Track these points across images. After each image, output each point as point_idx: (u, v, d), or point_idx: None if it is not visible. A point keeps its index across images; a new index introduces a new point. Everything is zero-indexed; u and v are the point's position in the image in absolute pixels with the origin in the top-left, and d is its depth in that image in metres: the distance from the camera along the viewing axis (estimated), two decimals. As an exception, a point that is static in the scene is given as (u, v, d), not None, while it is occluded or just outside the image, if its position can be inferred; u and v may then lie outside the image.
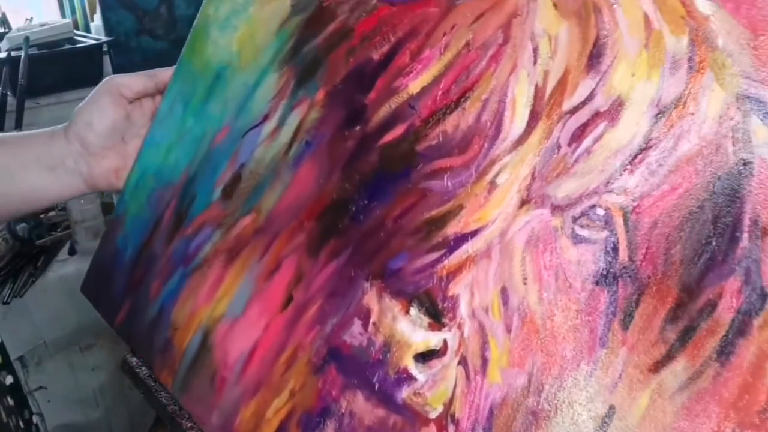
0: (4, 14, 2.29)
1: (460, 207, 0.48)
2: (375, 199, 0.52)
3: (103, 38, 2.11)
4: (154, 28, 2.23)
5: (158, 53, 2.17)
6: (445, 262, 0.48)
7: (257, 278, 0.57)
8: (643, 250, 0.41)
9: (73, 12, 2.43)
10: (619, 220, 0.42)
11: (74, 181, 0.68)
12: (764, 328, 0.37)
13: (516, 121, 0.47)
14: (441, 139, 0.50)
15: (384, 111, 0.53)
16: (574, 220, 0.43)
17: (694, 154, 0.40)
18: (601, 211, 0.43)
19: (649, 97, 0.42)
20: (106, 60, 2.23)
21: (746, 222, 0.38)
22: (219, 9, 0.65)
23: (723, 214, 0.39)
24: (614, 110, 0.43)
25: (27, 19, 2.23)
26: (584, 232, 0.43)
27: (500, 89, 0.48)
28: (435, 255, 0.48)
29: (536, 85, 0.46)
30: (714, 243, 0.39)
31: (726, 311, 0.38)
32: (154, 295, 0.65)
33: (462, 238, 0.47)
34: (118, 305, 0.68)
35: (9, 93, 1.76)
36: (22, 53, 1.80)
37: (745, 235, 0.38)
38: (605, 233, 0.42)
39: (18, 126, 1.70)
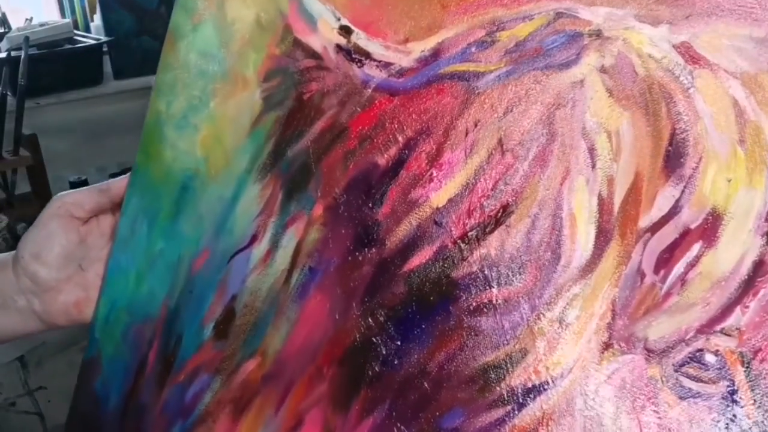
0: (4, 14, 2.26)
1: (524, 351, 0.39)
2: (409, 339, 0.42)
3: (103, 38, 2.12)
4: (154, 28, 2.25)
5: (158, 53, 2.07)
6: (515, 420, 0.39)
7: (276, 436, 0.48)
8: (777, 409, 0.33)
9: (73, 12, 2.40)
10: (737, 369, 0.34)
11: (28, 320, 0.57)
12: None
13: (579, 241, 0.38)
14: (483, 264, 0.40)
15: (403, 229, 0.43)
16: (677, 368, 0.35)
17: (828, 283, 0.32)
18: (711, 357, 0.34)
19: (755, 210, 0.33)
20: (106, 60, 2.25)
21: None
22: (172, 104, 0.54)
23: None
24: (710, 227, 0.34)
25: (27, 19, 2.20)
26: (693, 384, 0.35)
27: (553, 201, 0.38)
28: (499, 412, 0.39)
29: (599, 195, 0.37)
30: None
31: None
32: (150, 454, 0.55)
33: (532, 391, 0.38)
34: (109, 463, 0.58)
35: (9, 93, 1.74)
36: (22, 53, 1.80)
37: None
38: (723, 386, 0.34)
39: (18, 126, 1.69)
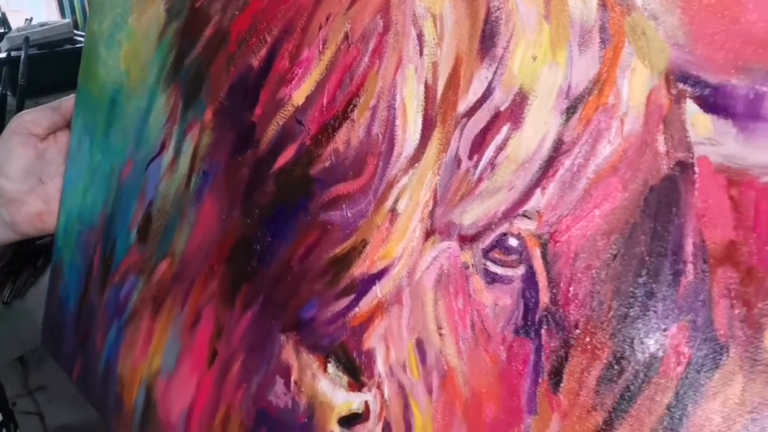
0: (4, 14, 2.28)
1: (364, 242, 0.39)
2: (277, 236, 0.44)
3: (104, 37, 2.11)
4: (155, 28, 2.24)
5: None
6: (356, 309, 0.40)
7: (182, 331, 0.51)
8: (567, 290, 0.32)
9: (73, 12, 2.40)
10: (535, 252, 0.33)
11: (1, 229, 0.63)
12: (721, 390, 0.28)
13: (409, 131, 0.37)
14: (334, 159, 0.41)
15: (272, 129, 0.44)
16: (485, 253, 0.34)
17: (618, 159, 0.30)
18: (514, 241, 0.33)
19: (557, 87, 0.32)
20: (107, 59, 2.23)
21: (689, 248, 0.28)
22: (102, 23, 0.57)
23: (660, 238, 0.29)
24: (517, 108, 0.33)
25: (27, 19, 2.21)
26: (498, 269, 0.34)
27: (388, 92, 0.38)
28: (345, 301, 0.40)
29: (426, 83, 0.37)
30: (651, 278, 0.29)
31: (673, 367, 0.29)
32: (99, 349, 0.60)
33: (369, 280, 0.39)
34: (73, 360, 0.64)
35: (9, 93, 1.74)
36: (22, 53, 1.80)
37: (690, 267, 0.28)
38: (522, 269, 0.33)
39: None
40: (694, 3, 0.28)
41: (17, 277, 1.38)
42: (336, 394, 0.41)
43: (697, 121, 0.28)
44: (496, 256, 0.34)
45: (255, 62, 0.45)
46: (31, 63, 1.76)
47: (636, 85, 0.30)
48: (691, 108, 0.28)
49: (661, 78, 0.29)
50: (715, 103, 0.28)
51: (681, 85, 0.28)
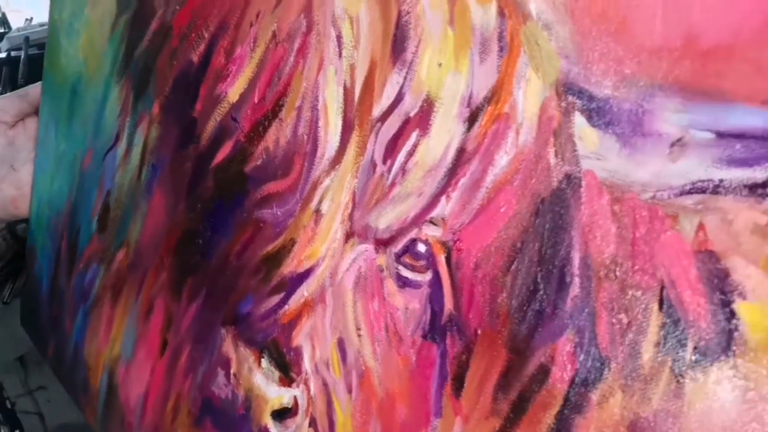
0: (4, 14, 2.28)
1: (292, 241, 0.40)
2: (217, 231, 0.45)
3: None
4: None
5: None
6: (286, 307, 0.41)
7: (138, 320, 0.52)
8: (468, 297, 0.32)
9: None
10: (441, 259, 0.33)
11: None
12: (604, 404, 0.28)
13: (330, 133, 0.38)
14: (265, 157, 0.41)
15: (211, 125, 0.45)
16: (397, 258, 0.35)
17: (513, 169, 0.30)
18: (422, 247, 0.34)
19: (460, 94, 0.32)
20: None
21: (576, 261, 0.29)
22: (63, 12, 0.58)
23: (550, 251, 0.29)
24: (425, 114, 0.33)
25: (27, 19, 2.21)
26: (409, 274, 0.34)
27: (312, 93, 0.38)
28: (276, 299, 0.41)
29: (345, 85, 0.37)
30: (542, 289, 0.29)
31: (560, 380, 0.29)
32: (68, 333, 0.62)
33: (298, 279, 0.40)
34: (46, 340, 0.66)
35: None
36: (22, 53, 1.79)
37: (576, 279, 0.29)
38: (429, 275, 0.34)
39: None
40: (584, 15, 0.28)
41: (17, 277, 1.41)
42: (269, 388, 0.42)
43: (585, 134, 0.28)
44: (407, 260, 0.34)
45: (195, 57, 0.45)
46: (31, 63, 1.77)
47: (530, 95, 0.29)
48: (579, 121, 0.28)
49: (552, 89, 0.29)
50: (600, 116, 0.27)
51: (570, 98, 0.28)
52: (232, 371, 0.44)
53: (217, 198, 0.44)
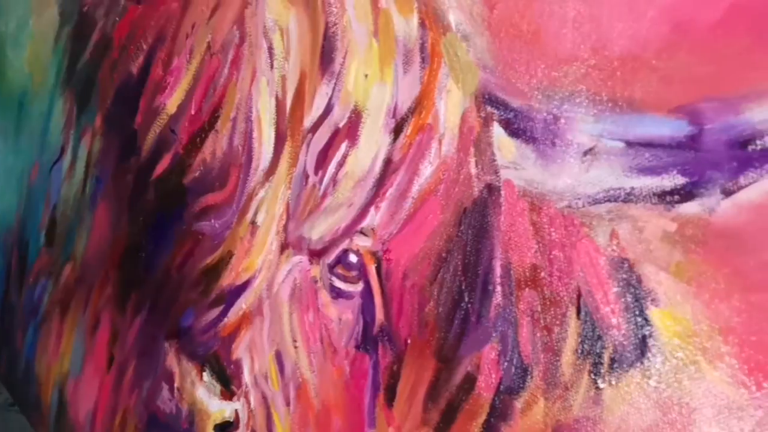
0: None
1: (230, 254, 0.40)
2: (159, 244, 0.44)
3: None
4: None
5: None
6: (225, 320, 0.40)
7: (85, 334, 0.52)
8: (398, 307, 0.32)
9: None
10: (371, 269, 0.33)
11: None
12: (527, 412, 0.28)
13: (264, 144, 0.37)
14: (203, 169, 0.41)
15: (151, 137, 0.44)
16: (330, 269, 0.35)
17: (437, 180, 0.30)
18: (353, 258, 0.34)
19: (385, 105, 0.32)
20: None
21: (497, 270, 0.29)
22: (9, 24, 0.57)
23: (473, 260, 0.29)
24: (353, 125, 0.33)
25: None
26: (341, 285, 0.34)
27: (245, 104, 0.38)
28: (215, 312, 0.41)
29: (276, 96, 0.37)
30: (467, 298, 0.29)
31: (486, 388, 0.29)
32: (20, 347, 0.61)
33: (236, 291, 0.40)
34: (-1, 356, 0.65)
35: None
36: None
37: (498, 288, 0.29)
38: (361, 285, 0.33)
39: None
40: (499, 26, 0.28)
41: None
42: (211, 402, 0.42)
43: (503, 144, 0.28)
44: (340, 271, 0.34)
45: (134, 69, 0.45)
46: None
47: (451, 106, 0.30)
48: (497, 131, 0.28)
49: (472, 100, 0.29)
50: (517, 126, 0.28)
51: (489, 108, 0.28)
52: (175, 385, 0.44)
53: (158, 210, 0.44)
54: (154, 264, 0.45)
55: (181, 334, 0.43)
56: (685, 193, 0.24)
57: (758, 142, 0.22)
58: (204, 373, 0.42)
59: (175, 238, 0.43)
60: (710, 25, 0.23)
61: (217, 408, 0.41)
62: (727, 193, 0.23)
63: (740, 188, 0.23)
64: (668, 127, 0.24)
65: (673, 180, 0.24)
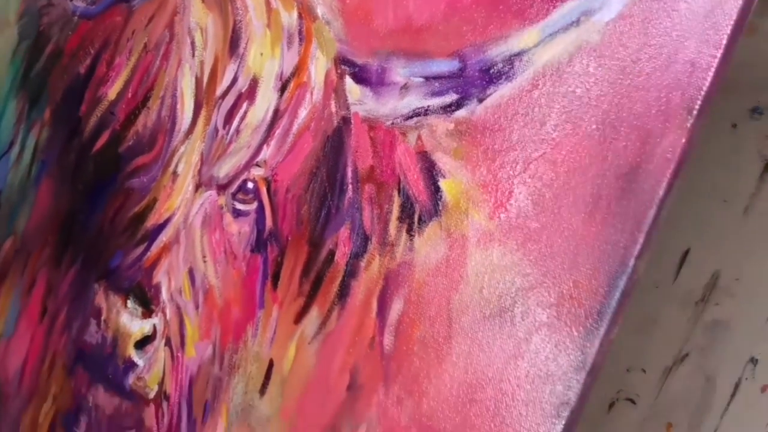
0: None
1: (155, 200, 0.51)
2: (94, 205, 0.55)
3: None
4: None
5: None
6: (148, 253, 0.51)
7: (21, 296, 0.60)
8: (282, 214, 0.44)
9: None
10: (263, 190, 0.45)
11: None
12: (368, 268, 0.40)
13: (185, 112, 0.50)
14: (135, 138, 0.53)
15: (93, 121, 0.56)
16: (233, 196, 0.47)
17: (309, 119, 0.44)
18: (251, 185, 0.46)
19: (275, 73, 0.45)
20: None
21: (349, 174, 0.42)
22: (-33, 46, 0.68)
23: (334, 170, 0.42)
24: (252, 89, 0.46)
25: None
26: (241, 206, 0.46)
27: (172, 85, 0.51)
28: (140, 249, 0.51)
29: (196, 76, 0.49)
30: (329, 197, 0.42)
31: (342, 257, 0.41)
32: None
33: (158, 229, 0.51)
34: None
35: None
36: None
37: (350, 186, 0.42)
38: (255, 204, 0.46)
39: None
40: (349, 13, 0.42)
41: None
42: (133, 324, 0.51)
43: (352, 89, 0.42)
44: (240, 196, 0.46)
45: (82, 70, 0.57)
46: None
47: (318, 68, 0.43)
48: (349, 81, 0.42)
49: (332, 62, 0.43)
50: (361, 76, 0.42)
51: (343, 67, 0.42)
52: (102, 318, 0.53)
53: (95, 178, 0.55)
54: (90, 222, 0.55)
55: (110, 274, 0.53)
56: (457, 105, 0.38)
57: (495, 68, 0.37)
58: (128, 301, 0.52)
59: (108, 198, 0.54)
60: (470, 1, 0.39)
61: (138, 327, 0.51)
62: (480, 100, 0.38)
63: (487, 96, 0.37)
64: (447, 66, 0.39)
65: (451, 97, 0.38)
